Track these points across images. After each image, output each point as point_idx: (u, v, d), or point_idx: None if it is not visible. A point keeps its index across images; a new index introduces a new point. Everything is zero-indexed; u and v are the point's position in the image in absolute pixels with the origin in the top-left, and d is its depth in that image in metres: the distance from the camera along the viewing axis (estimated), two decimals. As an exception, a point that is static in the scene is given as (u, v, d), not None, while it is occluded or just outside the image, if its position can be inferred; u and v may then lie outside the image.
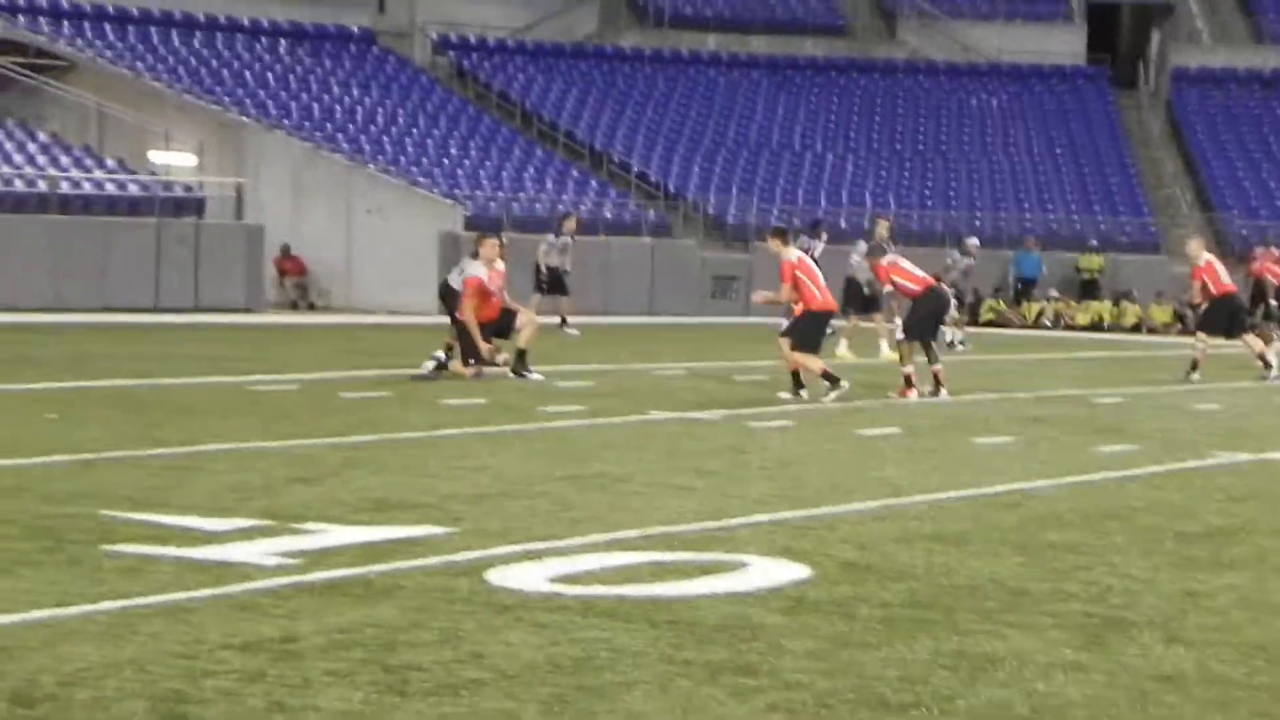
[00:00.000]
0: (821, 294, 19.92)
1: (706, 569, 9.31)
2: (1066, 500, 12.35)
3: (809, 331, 19.93)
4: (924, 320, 20.86)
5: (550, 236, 33.28)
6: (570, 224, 33.60)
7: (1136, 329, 42.96)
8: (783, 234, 20.48)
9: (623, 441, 15.37)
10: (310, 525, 10.41)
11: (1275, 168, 50.27)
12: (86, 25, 45.84)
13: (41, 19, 45.19)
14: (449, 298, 21.56)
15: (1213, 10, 57.54)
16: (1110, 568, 9.69)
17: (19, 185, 36.38)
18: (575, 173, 46.26)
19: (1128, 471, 14.05)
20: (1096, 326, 43.28)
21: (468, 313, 21.00)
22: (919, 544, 10.28)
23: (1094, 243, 46.39)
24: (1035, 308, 44.41)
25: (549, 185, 45.01)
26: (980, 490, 12.72)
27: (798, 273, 19.84)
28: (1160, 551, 10.28)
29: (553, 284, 32.91)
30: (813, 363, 19.76)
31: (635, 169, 47.15)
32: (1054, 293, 44.77)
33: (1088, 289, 45.40)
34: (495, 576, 8.96)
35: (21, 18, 44.61)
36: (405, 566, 9.19)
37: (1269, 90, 53.74)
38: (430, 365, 21.17)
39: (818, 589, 8.89)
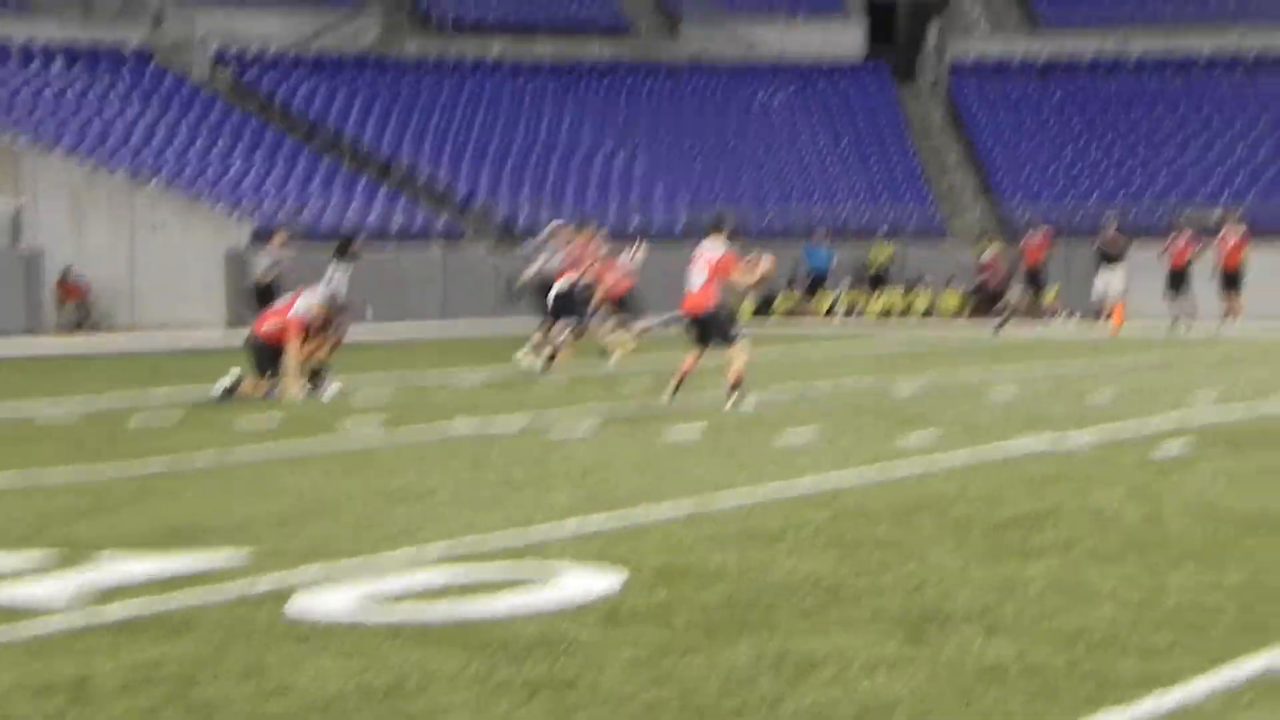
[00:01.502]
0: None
1: (517, 583, 9.10)
2: (875, 493, 12.32)
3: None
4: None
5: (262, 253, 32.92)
6: (279, 238, 33.65)
7: (928, 315, 43.52)
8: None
9: (425, 454, 15.13)
10: (103, 557, 10.05)
11: (1053, 152, 51.12)
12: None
13: None
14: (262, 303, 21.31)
15: (988, 1, 58.40)
16: (923, 561, 9.64)
17: None
18: (363, 182, 45.85)
19: (933, 460, 14.06)
20: (888, 314, 43.73)
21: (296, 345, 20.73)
22: (731, 545, 10.16)
23: (882, 232, 46.85)
24: (827, 299, 44.79)
25: (336, 196, 44.54)
26: (788, 486, 12.65)
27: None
28: (971, 542, 10.25)
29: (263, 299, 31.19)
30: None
31: (424, 176, 46.85)
32: (846, 284, 45.17)
33: (878, 279, 45.84)
34: (299, 602, 8.69)
35: None
36: (204, 597, 8.88)
37: (1044, 77, 54.65)
38: (223, 385, 20.73)
39: (633, 597, 8.72)
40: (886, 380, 22.53)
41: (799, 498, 12.17)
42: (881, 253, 46.09)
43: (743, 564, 9.57)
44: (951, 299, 43.97)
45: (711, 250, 19.46)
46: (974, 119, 53.25)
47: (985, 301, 41.15)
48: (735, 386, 19.02)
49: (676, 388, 19.40)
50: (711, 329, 19.38)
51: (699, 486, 12.68)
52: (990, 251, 41.00)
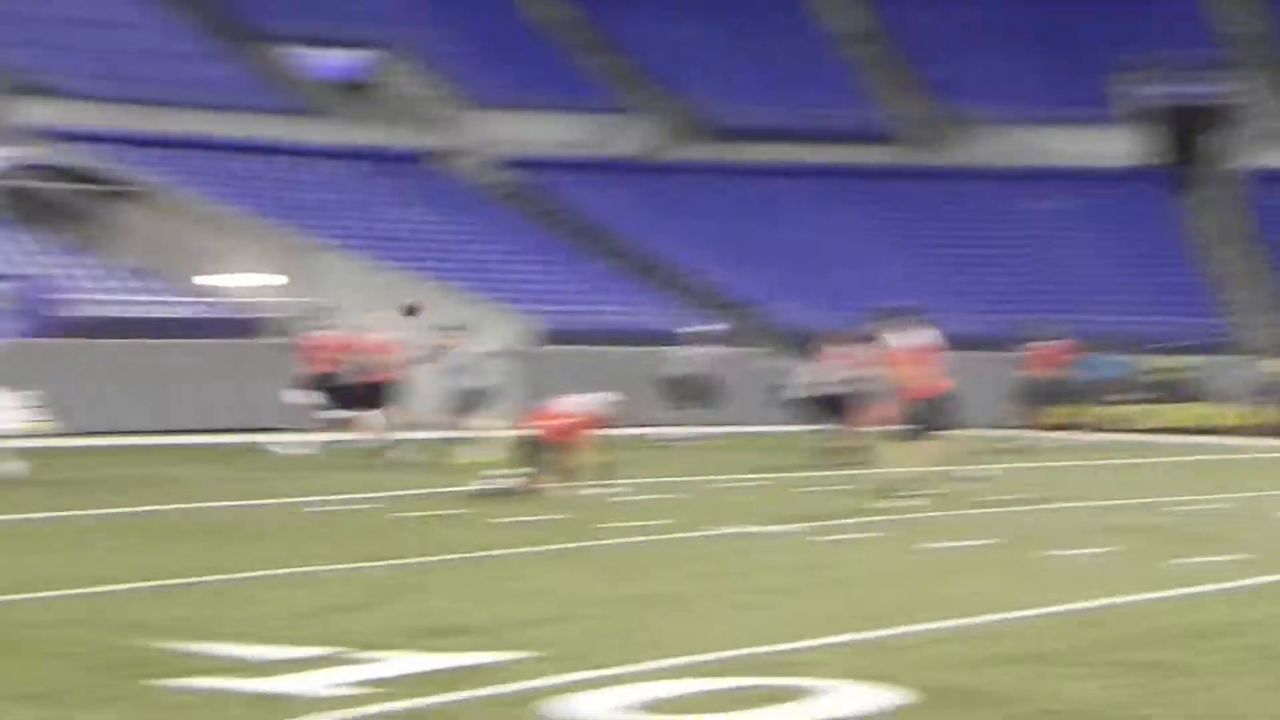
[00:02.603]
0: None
1: (775, 697, 8.85)
2: (1162, 614, 11.82)
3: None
4: None
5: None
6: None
7: (1215, 431, 42.30)
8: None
9: (687, 558, 14.97)
10: (367, 653, 10.04)
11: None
12: (154, 153, 46.02)
13: (108, 146, 45.41)
14: None
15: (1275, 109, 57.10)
16: (1213, 690, 9.14)
17: (91, 310, 36.39)
18: (637, 285, 46.14)
19: (1226, 582, 13.45)
20: (1173, 429, 42.60)
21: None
22: (1008, 665, 9.77)
23: (1161, 344, 45.75)
24: (1104, 410, 43.78)
25: (612, 299, 44.88)
26: (1067, 603, 12.19)
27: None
28: (1270, 670, 9.70)
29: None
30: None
31: (698, 279, 47.00)
32: (1125, 395, 44.15)
33: (1161, 390, 44.71)
34: (555, 706, 8.56)
35: (88, 145, 44.87)
36: (463, 697, 8.81)
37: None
38: (492, 482, 20.84)
39: (912, 717, 8.40)
40: (1173, 496, 21.86)
41: (1079, 616, 11.73)
42: (1161, 364, 44.99)
43: (1021, 687, 9.19)
44: (1241, 414, 42.71)
45: (917, 338, 20.25)
46: (1270, 229, 51.91)
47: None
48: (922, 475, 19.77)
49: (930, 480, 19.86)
50: (932, 413, 20.17)
51: (969, 600, 12.31)
52: None
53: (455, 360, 28.05)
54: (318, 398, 28.13)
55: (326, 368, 28.58)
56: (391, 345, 28.40)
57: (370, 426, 27.99)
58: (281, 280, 40.94)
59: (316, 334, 29.51)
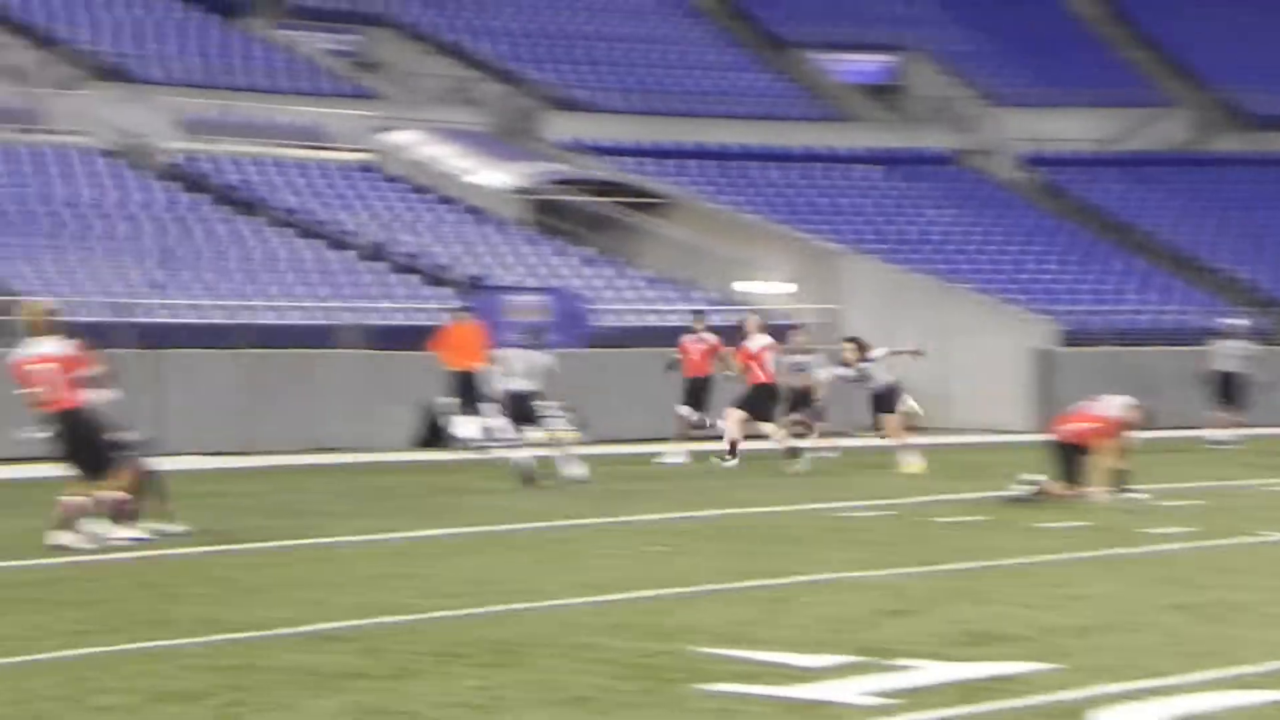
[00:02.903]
0: None
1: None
2: None
3: None
4: None
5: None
6: (800, 338, 29.95)
7: None
8: None
9: (1234, 566, 14.52)
10: (904, 661, 10.05)
11: None
12: (683, 164, 47.05)
13: (641, 160, 46.58)
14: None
15: None
16: None
17: (621, 321, 37.33)
18: (1171, 282, 44.97)
19: None
20: None
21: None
22: None
23: None
24: None
25: (1146, 296, 43.85)
26: None
27: None
28: None
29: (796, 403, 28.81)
30: None
31: (1233, 274, 45.54)
32: None
33: None
34: (1099, 718, 8.40)
35: (622, 160, 46.10)
36: (1004, 706, 8.73)
37: None
38: (1024, 487, 20.59)
39: None
40: None
41: None
42: None
43: None
44: None
45: None
46: None
47: None
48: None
49: None
50: None
51: None
52: None
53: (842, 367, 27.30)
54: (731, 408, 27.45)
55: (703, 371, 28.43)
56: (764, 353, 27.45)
57: (783, 432, 27.19)
58: (796, 287, 41.24)
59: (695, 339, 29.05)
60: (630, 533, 17.60)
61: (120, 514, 16.15)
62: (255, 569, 14.58)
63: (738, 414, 26.91)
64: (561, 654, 10.46)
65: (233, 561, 15.17)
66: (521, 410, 23.99)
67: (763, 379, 27.16)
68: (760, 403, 27.05)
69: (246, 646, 10.81)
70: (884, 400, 26.83)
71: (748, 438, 26.91)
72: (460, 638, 11.04)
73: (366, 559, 15.32)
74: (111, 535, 15.90)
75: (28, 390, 15.72)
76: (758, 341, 27.50)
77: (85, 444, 15.73)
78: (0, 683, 9.67)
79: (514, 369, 24.27)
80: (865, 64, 53.92)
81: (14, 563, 15.15)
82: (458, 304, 32.72)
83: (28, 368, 15.79)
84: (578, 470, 23.75)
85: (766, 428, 26.92)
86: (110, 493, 15.83)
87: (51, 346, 15.74)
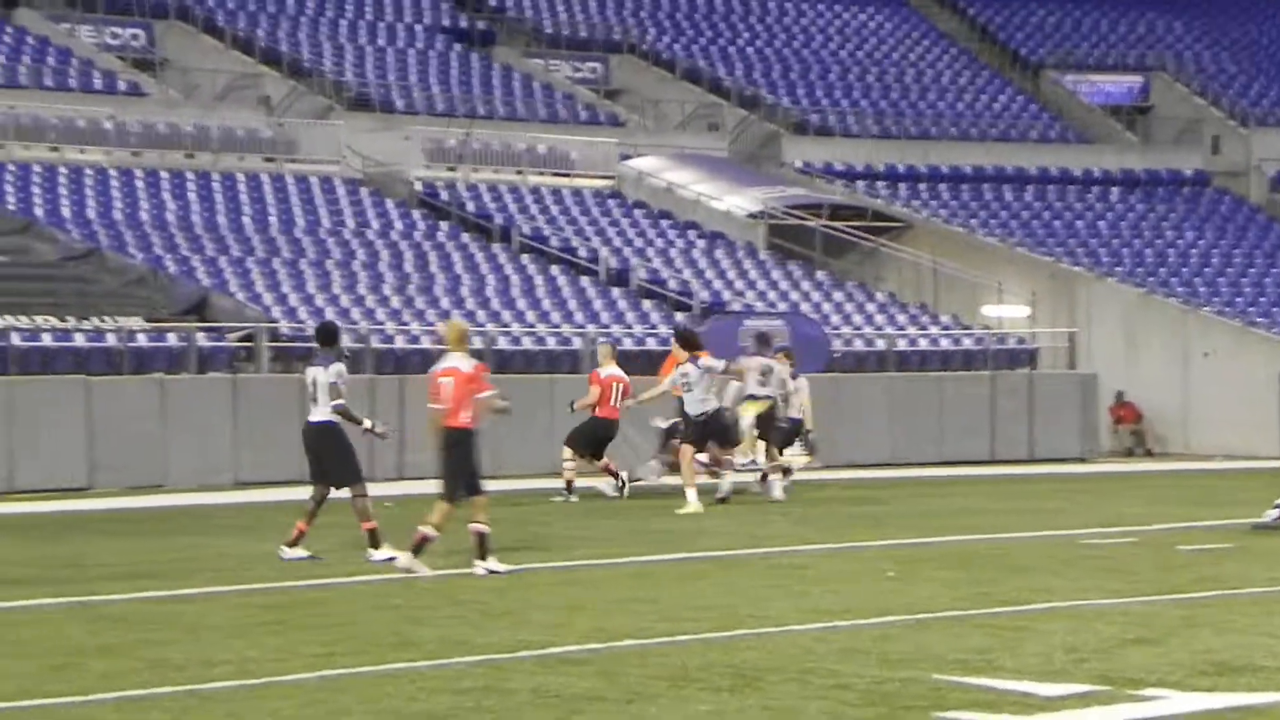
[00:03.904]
0: None
1: None
2: None
3: None
4: None
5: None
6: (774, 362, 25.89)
7: None
8: None
9: None
10: (1148, 691, 9.92)
11: None
12: (921, 187, 46.88)
13: (879, 183, 46.52)
14: None
15: None
16: None
17: (859, 345, 37.28)
18: None
19: None
20: None
21: None
22: None
23: None
24: None
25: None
26: None
27: None
28: None
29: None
30: None
31: None
32: None
33: None
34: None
35: (860, 183, 46.04)
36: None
37: None
38: (1275, 514, 20.16)
39: None
40: None
41: None
42: None
43: None
44: None
45: None
46: None
47: None
48: None
49: None
50: None
51: None
52: None
53: None
54: None
55: None
56: None
57: None
58: (1029, 310, 40.83)
59: None
60: (858, 558, 17.55)
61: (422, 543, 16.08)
62: (499, 592, 14.77)
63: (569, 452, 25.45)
64: (794, 679, 10.47)
65: (477, 584, 15.38)
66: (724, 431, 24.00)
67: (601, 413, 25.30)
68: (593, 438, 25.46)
69: (487, 669, 10.96)
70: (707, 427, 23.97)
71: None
72: (694, 662, 11.10)
73: (608, 582, 15.45)
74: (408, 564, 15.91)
75: (433, 404, 16.21)
76: (607, 371, 25.65)
77: (464, 464, 16.05)
78: (243, 704, 9.91)
79: (755, 381, 24.42)
80: (1112, 85, 53.25)
81: (260, 585, 15.50)
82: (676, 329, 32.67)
83: (439, 380, 16.35)
84: (779, 493, 24.33)
85: (599, 463, 25.32)
86: (481, 520, 16.00)
87: (459, 362, 16.22)
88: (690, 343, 24.40)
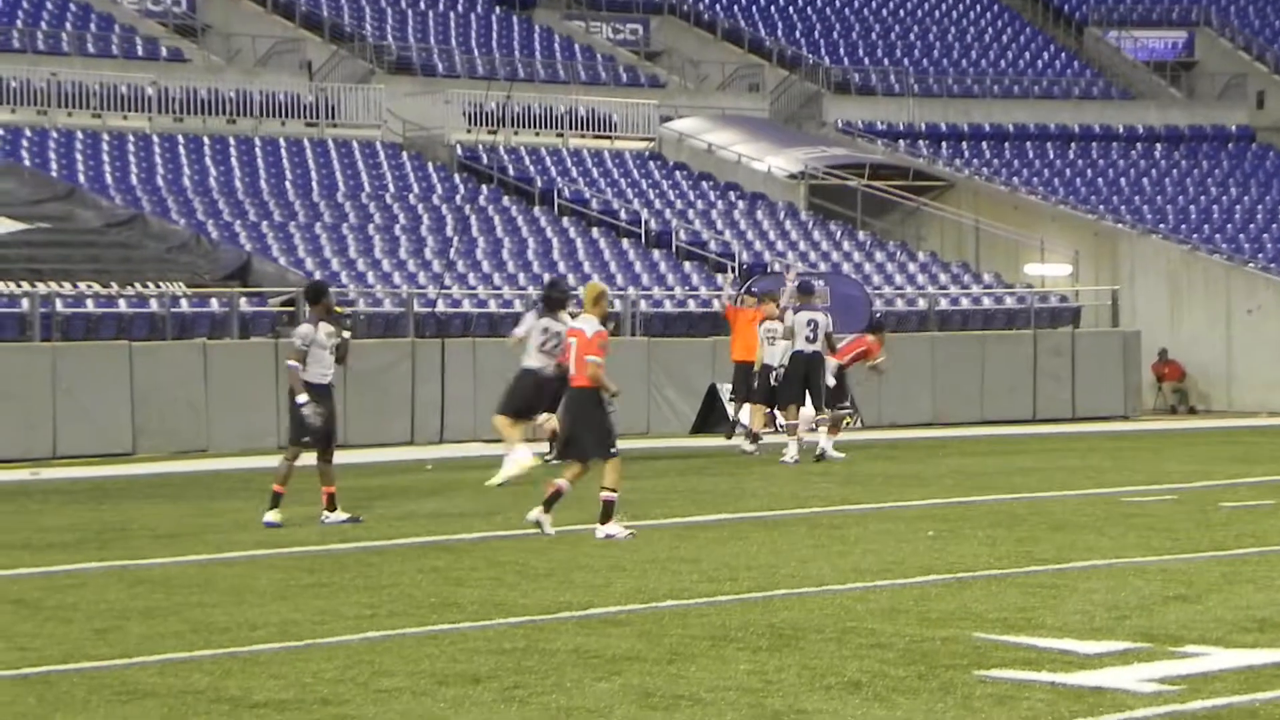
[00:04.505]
0: None
1: None
2: None
3: None
4: None
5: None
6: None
7: None
8: None
9: None
10: (1189, 648, 9.92)
11: None
12: (963, 145, 46.73)
13: (921, 142, 46.39)
14: None
15: None
16: None
17: (900, 304, 37.22)
18: None
19: None
20: None
21: None
22: None
23: None
24: None
25: None
26: None
27: None
28: None
29: None
30: None
31: None
32: None
33: None
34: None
35: (902, 142, 45.91)
36: (1285, 696, 8.58)
37: None
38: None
39: None
40: None
41: None
42: None
43: None
44: None
45: None
46: None
47: None
48: None
49: None
50: None
51: None
52: None
53: None
54: None
55: None
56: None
57: None
58: (1071, 268, 40.68)
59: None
60: (899, 518, 17.54)
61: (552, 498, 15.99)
62: (541, 553, 14.81)
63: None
64: (834, 639, 10.50)
65: (520, 545, 15.42)
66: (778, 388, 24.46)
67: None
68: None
69: (529, 630, 11.01)
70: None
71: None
72: (733, 621, 11.13)
73: (647, 543, 15.49)
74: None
75: (560, 363, 16.34)
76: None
77: (587, 422, 16.07)
78: (287, 666, 9.98)
79: (803, 332, 24.38)
80: (1156, 40, 52.93)
81: (303, 548, 15.58)
82: (739, 290, 32.60)
83: (568, 339, 16.50)
84: (835, 452, 24.61)
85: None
86: (612, 483, 15.92)
87: (586, 325, 16.24)
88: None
